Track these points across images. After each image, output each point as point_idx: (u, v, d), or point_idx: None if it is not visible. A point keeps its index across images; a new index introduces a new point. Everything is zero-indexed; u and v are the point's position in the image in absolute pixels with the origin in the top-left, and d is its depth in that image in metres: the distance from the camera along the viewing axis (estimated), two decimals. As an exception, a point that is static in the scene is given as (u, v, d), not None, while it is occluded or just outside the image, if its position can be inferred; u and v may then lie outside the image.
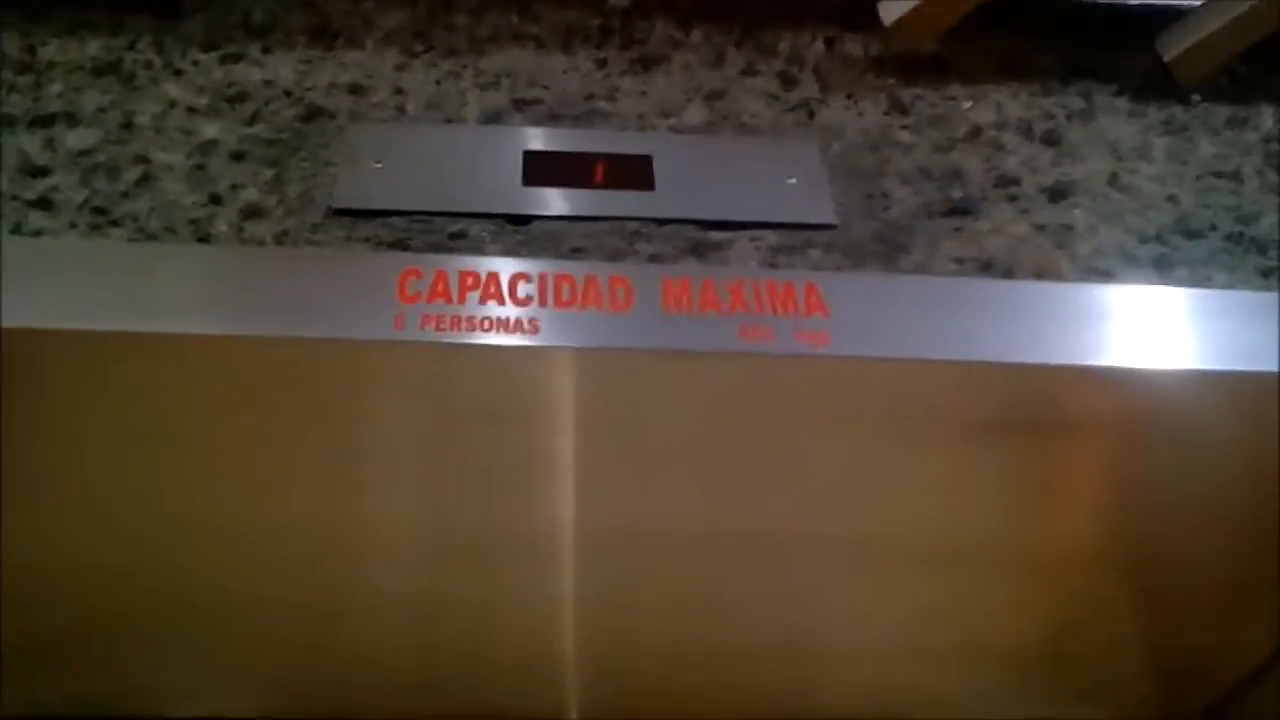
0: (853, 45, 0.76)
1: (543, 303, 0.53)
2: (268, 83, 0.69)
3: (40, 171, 0.62)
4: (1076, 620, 0.74)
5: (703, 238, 0.62)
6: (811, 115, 0.71)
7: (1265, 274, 0.64)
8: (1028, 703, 0.82)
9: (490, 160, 0.64)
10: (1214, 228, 0.67)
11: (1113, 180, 0.69)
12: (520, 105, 0.69)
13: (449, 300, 0.53)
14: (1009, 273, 0.62)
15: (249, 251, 0.56)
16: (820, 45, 0.76)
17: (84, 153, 0.63)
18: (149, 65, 0.69)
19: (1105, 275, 0.63)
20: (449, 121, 0.68)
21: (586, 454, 0.59)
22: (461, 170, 0.64)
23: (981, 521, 0.65)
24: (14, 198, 0.60)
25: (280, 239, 0.60)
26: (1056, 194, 0.67)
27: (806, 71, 0.74)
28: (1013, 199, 0.67)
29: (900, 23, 0.72)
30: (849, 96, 0.73)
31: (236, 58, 0.70)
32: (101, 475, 0.60)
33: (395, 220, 0.61)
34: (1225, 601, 0.72)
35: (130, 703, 0.77)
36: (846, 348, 0.53)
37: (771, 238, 0.63)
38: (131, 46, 0.70)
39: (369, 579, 0.68)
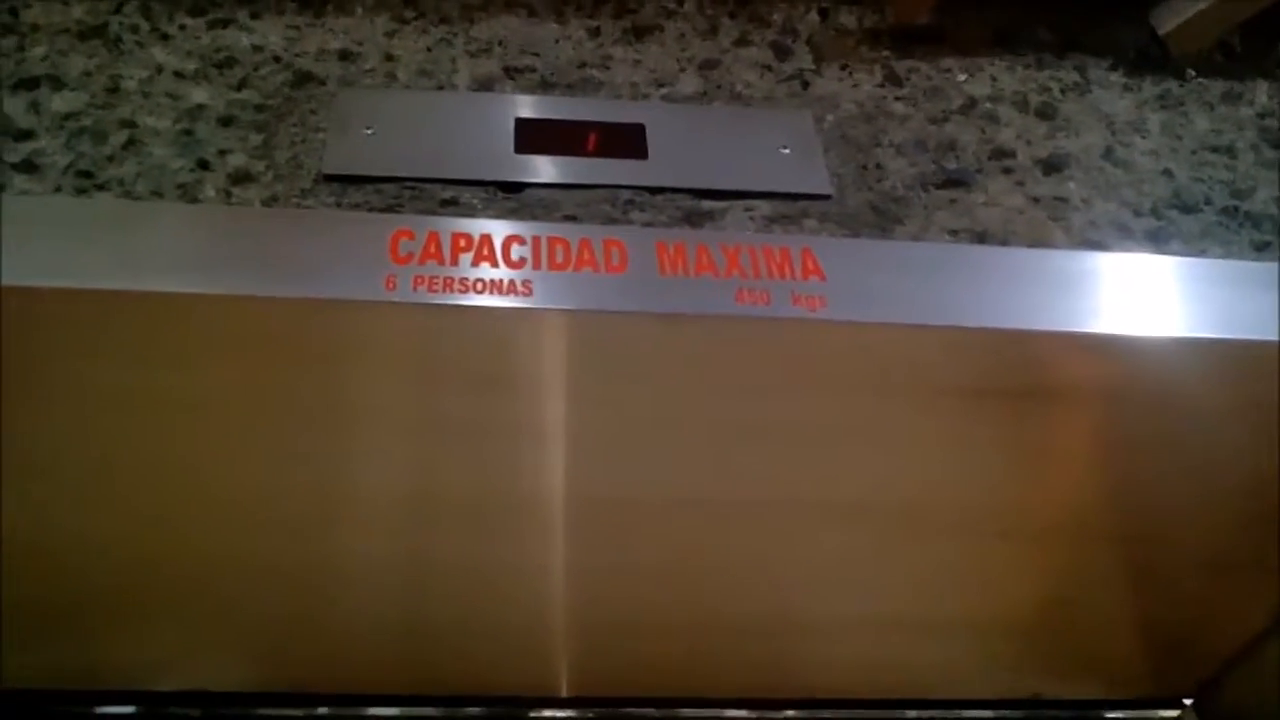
0: (847, 17, 0.75)
1: (536, 265, 0.53)
2: (256, 48, 0.68)
3: (24, 135, 0.61)
4: (1069, 595, 0.74)
5: (696, 206, 0.62)
6: (805, 86, 0.71)
7: (1259, 248, 0.64)
8: (1019, 677, 0.82)
9: (482, 127, 0.64)
10: (1209, 202, 0.66)
11: (1107, 154, 0.69)
12: (512, 73, 0.69)
13: (441, 261, 0.52)
14: (1004, 244, 0.61)
15: (242, 212, 0.56)
16: (814, 16, 0.75)
17: (69, 116, 0.62)
18: (135, 29, 0.68)
19: (1100, 248, 0.62)
20: (440, 89, 0.67)
21: (578, 419, 0.59)
22: (453, 137, 0.63)
23: (974, 490, 0.65)
24: (-2, 160, 0.59)
25: (269, 205, 0.59)
26: (1051, 167, 0.67)
27: (800, 42, 0.74)
28: (1007, 171, 0.67)
29: (896, -6, 0.72)
30: (843, 68, 0.72)
31: (224, 23, 0.69)
32: (91, 441, 0.59)
33: (386, 186, 0.61)
34: (1218, 576, 0.72)
35: (121, 676, 0.77)
36: (843, 312, 0.53)
37: (765, 207, 0.62)
38: (118, 10, 0.69)
39: (358, 548, 0.67)
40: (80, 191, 0.58)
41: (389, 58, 0.68)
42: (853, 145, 0.67)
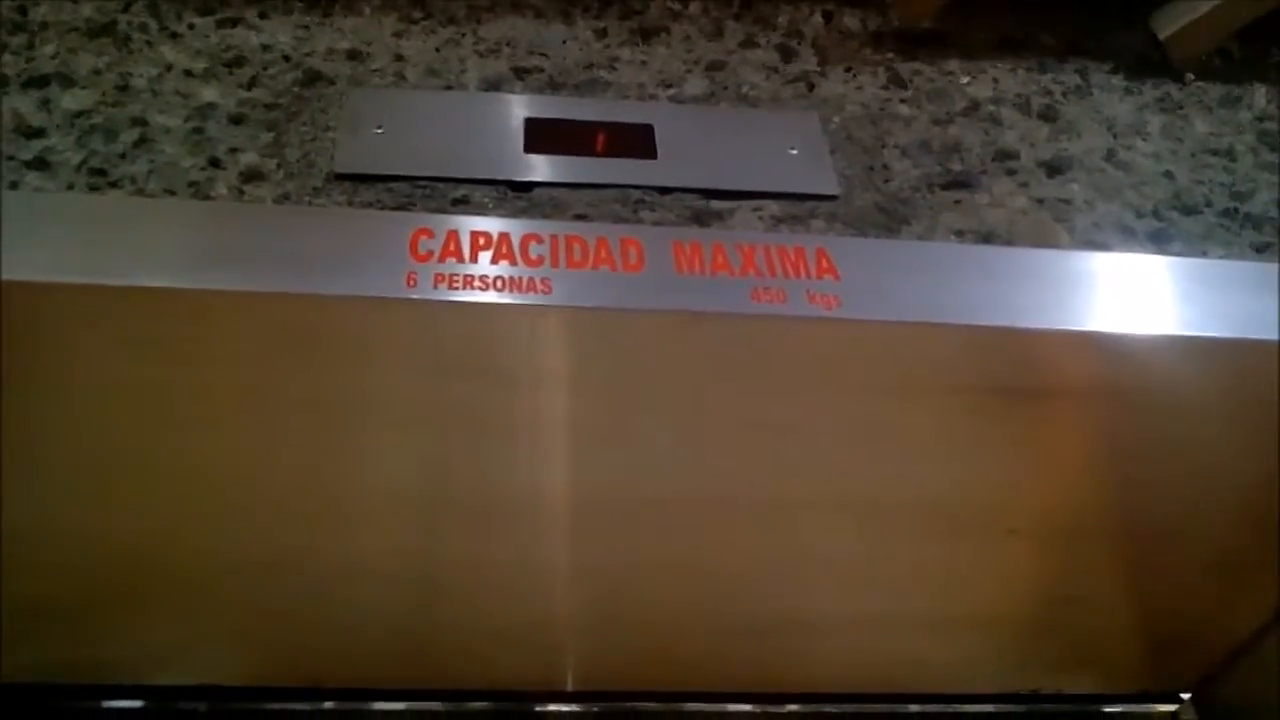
0: (851, 19, 0.76)
1: (554, 263, 0.53)
2: (265, 47, 0.68)
3: (36, 132, 0.61)
4: (1070, 591, 0.75)
5: (705, 206, 0.62)
6: (811, 88, 0.71)
7: (1260, 249, 0.65)
8: (1020, 672, 0.83)
9: (492, 127, 0.64)
10: (1209, 204, 0.67)
11: (1109, 156, 0.69)
12: (520, 73, 0.69)
13: (461, 259, 0.53)
14: (1009, 245, 0.62)
15: (260, 209, 0.56)
16: (818, 19, 0.76)
17: (80, 114, 0.63)
18: (144, 28, 0.68)
19: (1103, 248, 0.63)
20: (449, 88, 0.67)
21: (592, 417, 0.60)
22: (463, 137, 0.63)
23: (980, 488, 0.66)
24: (10, 158, 0.59)
25: (281, 203, 0.59)
26: (1054, 169, 0.68)
27: (805, 45, 0.74)
28: (1011, 173, 0.67)
29: (899, -3, 0.72)
30: (847, 70, 0.73)
31: (233, 22, 0.70)
32: (112, 436, 0.60)
33: (397, 185, 0.61)
34: (1218, 572, 0.73)
35: (128, 670, 0.77)
36: (858, 311, 0.53)
37: (774, 207, 0.63)
38: (126, 9, 0.69)
39: (369, 544, 0.68)
40: (93, 189, 0.59)
41: (398, 57, 0.69)
42: (859, 146, 0.68)
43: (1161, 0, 0.75)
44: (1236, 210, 0.67)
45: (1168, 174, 0.69)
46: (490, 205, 0.61)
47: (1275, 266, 0.60)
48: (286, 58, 0.68)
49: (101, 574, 0.69)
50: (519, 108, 0.66)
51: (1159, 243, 0.65)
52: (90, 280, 0.50)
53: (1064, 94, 0.73)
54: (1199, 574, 0.73)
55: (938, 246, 0.59)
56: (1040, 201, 0.66)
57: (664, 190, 0.63)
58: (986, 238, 0.63)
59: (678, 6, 0.75)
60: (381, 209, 0.59)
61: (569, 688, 0.82)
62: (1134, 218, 0.66)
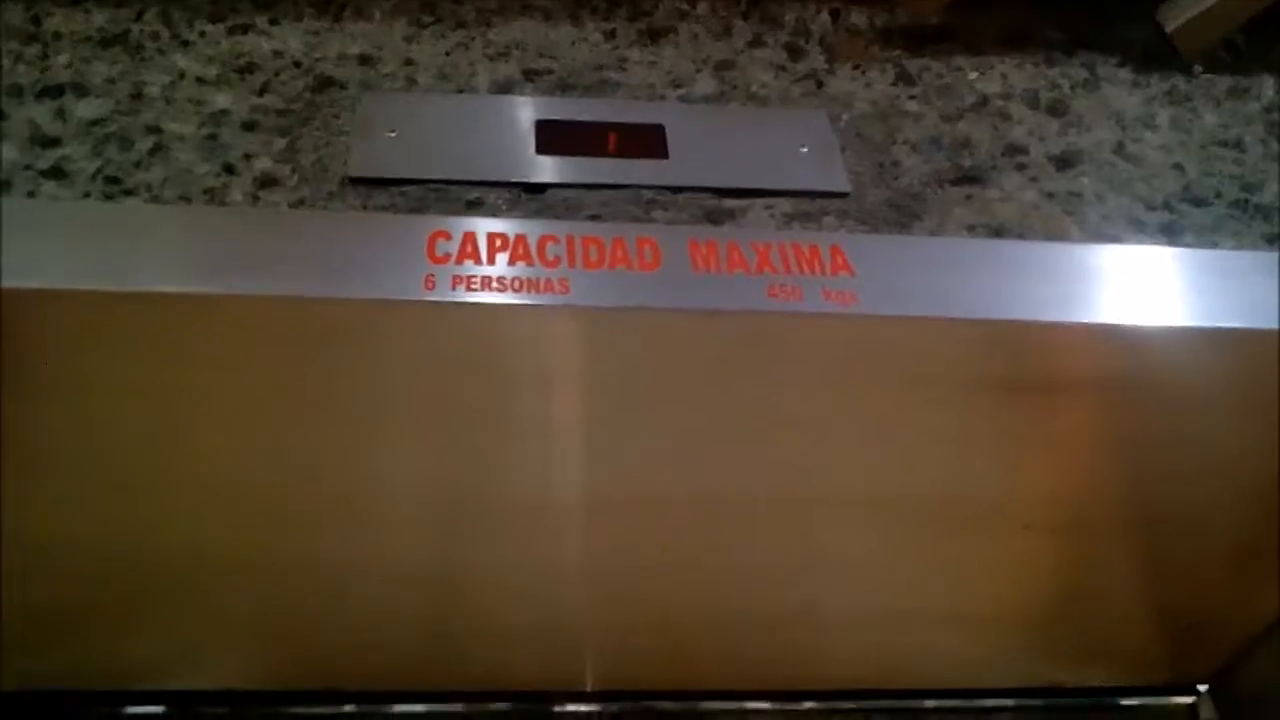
0: (858, 17, 0.76)
1: (571, 263, 0.53)
2: (277, 53, 0.69)
3: (51, 141, 0.62)
4: (1086, 584, 0.75)
5: (718, 205, 0.63)
6: (820, 86, 0.72)
7: (1271, 240, 0.65)
8: (1036, 666, 0.83)
9: (503, 129, 0.65)
10: (1219, 195, 0.67)
11: (1119, 149, 0.69)
12: (530, 76, 0.69)
13: (478, 261, 0.53)
14: (1021, 239, 0.62)
15: (277, 214, 0.56)
16: (826, 17, 0.76)
17: (95, 123, 0.63)
18: (156, 36, 0.69)
19: (1114, 241, 0.63)
20: (460, 91, 0.68)
21: (609, 416, 0.60)
22: (475, 139, 0.64)
23: (997, 483, 0.66)
24: (26, 167, 0.60)
25: (296, 208, 0.59)
26: (1064, 162, 0.68)
27: (813, 43, 0.74)
28: (1021, 167, 0.68)
29: (906, -6, 0.73)
30: (856, 67, 0.73)
31: (244, 29, 0.70)
32: (129, 440, 0.60)
33: (411, 189, 0.61)
34: (1234, 563, 0.73)
35: (149, 676, 0.77)
36: (874, 306, 0.54)
37: (786, 205, 0.63)
38: (138, 17, 0.69)
39: (388, 547, 0.68)
40: (108, 198, 0.59)
41: (408, 62, 0.69)
42: (869, 143, 0.68)
43: (1168, -7, 0.75)
44: (1247, 202, 0.67)
45: (1177, 166, 0.69)
46: (504, 207, 0.61)
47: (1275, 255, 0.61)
48: (298, 63, 0.68)
49: (119, 579, 0.70)
50: (530, 110, 0.66)
51: (1170, 235, 0.65)
52: (107, 287, 0.51)
53: (1072, 88, 0.73)
54: (1215, 565, 0.73)
55: (951, 242, 0.59)
56: (1050, 195, 0.66)
57: (676, 190, 0.63)
58: (997, 232, 0.63)
59: (685, 7, 0.76)
60: (396, 213, 0.60)
61: (588, 688, 0.82)
62: (1144, 210, 0.66)
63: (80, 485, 0.62)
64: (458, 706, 0.83)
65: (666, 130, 0.66)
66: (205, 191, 0.60)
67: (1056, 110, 0.72)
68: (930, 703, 0.86)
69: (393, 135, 0.64)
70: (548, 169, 0.63)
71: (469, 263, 0.53)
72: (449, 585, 0.72)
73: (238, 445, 0.61)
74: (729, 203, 0.63)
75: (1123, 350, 0.58)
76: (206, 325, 0.54)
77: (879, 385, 0.59)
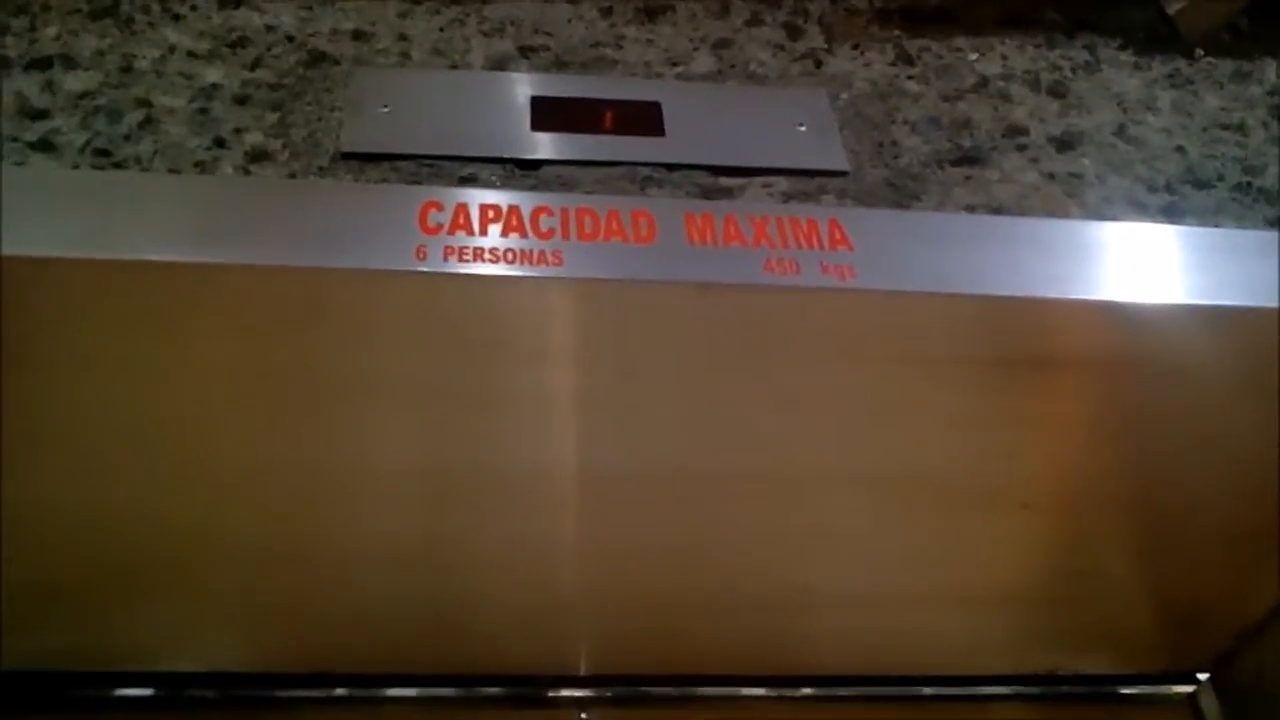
0: (857, -3, 0.75)
1: (565, 235, 0.53)
2: (269, 28, 0.68)
3: (39, 114, 0.61)
4: (1085, 570, 0.74)
5: (714, 183, 0.62)
6: (818, 65, 0.71)
7: (1273, 223, 0.64)
8: (1036, 652, 0.83)
9: (498, 106, 0.64)
10: (1221, 178, 0.67)
11: (1120, 131, 0.69)
12: (526, 52, 0.69)
13: (470, 232, 0.52)
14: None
15: (265, 183, 0.55)
16: (825, -4, 0.75)
17: (84, 95, 0.62)
18: (146, 9, 0.68)
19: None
20: (454, 68, 0.67)
21: (603, 391, 0.59)
22: (469, 115, 0.63)
23: (995, 462, 0.66)
24: (14, 139, 0.59)
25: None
26: (1064, 144, 0.67)
27: (811, 22, 0.74)
28: (1021, 148, 0.67)
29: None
30: (855, 47, 0.72)
31: (236, 3, 0.69)
32: (118, 414, 0.59)
33: (404, 164, 0.61)
34: (1235, 550, 0.72)
35: (138, 658, 0.76)
36: (872, 281, 0.53)
37: (783, 183, 0.62)
38: (129, -10, 0.69)
39: (379, 527, 0.67)
40: (98, 170, 0.58)
41: (402, 37, 0.68)
42: (868, 123, 0.67)
43: (1170, -25, 0.75)
44: (1249, 184, 0.66)
45: (1179, 149, 0.68)
46: (498, 183, 0.60)
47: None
48: (290, 38, 0.67)
49: (107, 559, 0.69)
50: (525, 86, 0.65)
51: (1172, 217, 0.64)
52: (96, 255, 0.50)
53: (1073, 69, 0.73)
54: (1216, 552, 0.73)
55: (950, 217, 0.59)
56: (1051, 176, 0.65)
57: (672, 167, 0.62)
58: (997, 213, 0.62)
59: (683, -15, 0.75)
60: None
61: (582, 671, 0.82)
62: (1146, 192, 0.65)
63: (66, 460, 0.61)
64: (450, 690, 0.82)
65: (663, 108, 0.65)
66: (195, 165, 0.59)
67: (1057, 92, 0.71)
68: (927, 689, 0.86)
69: (386, 110, 0.63)
70: (543, 145, 0.62)
71: (461, 234, 0.52)
72: (441, 567, 0.71)
73: (224, 418, 0.60)
74: (726, 181, 0.62)
75: (1122, 328, 0.57)
76: (196, 295, 0.53)
77: (876, 361, 0.59)
